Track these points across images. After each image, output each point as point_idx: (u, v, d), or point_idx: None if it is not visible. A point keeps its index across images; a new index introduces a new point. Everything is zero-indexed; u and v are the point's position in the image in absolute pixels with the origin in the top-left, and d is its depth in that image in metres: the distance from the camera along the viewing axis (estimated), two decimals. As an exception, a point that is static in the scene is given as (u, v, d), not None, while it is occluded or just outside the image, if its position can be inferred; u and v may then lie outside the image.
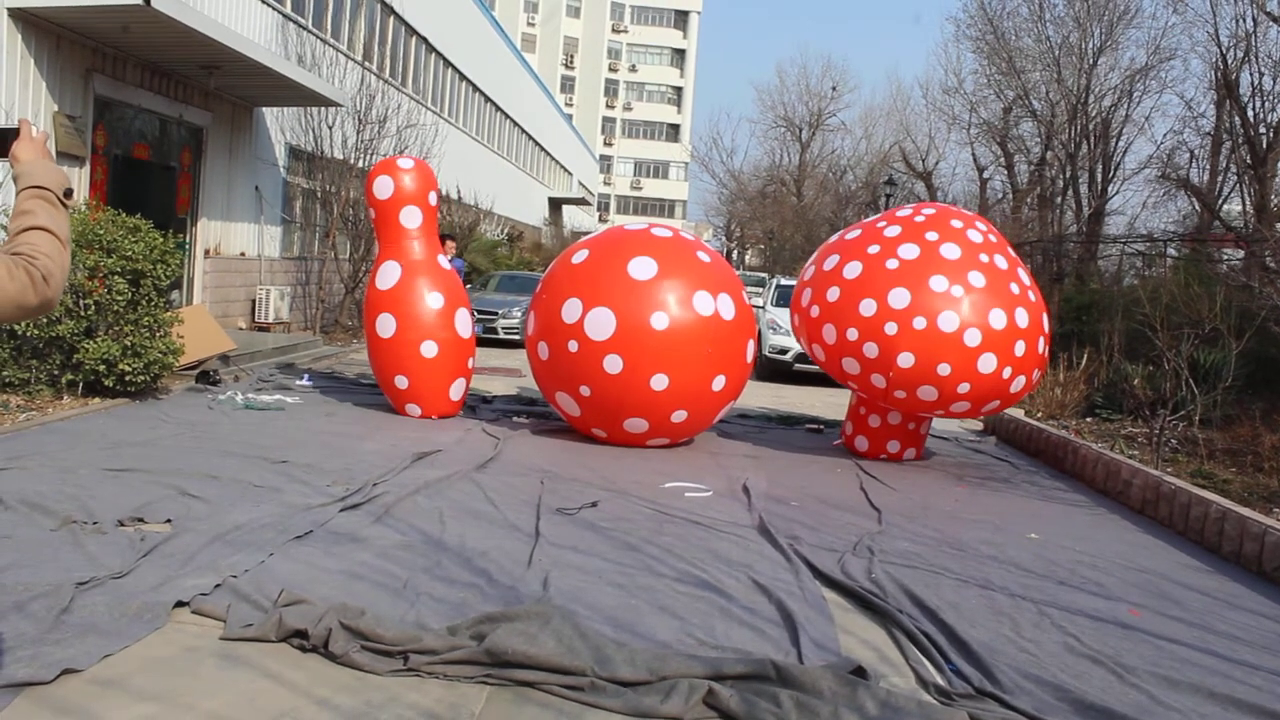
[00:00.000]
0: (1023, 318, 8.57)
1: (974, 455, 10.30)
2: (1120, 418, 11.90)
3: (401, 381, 9.71)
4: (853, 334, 8.68)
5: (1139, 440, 10.55)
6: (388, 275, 9.75)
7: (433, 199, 10.16)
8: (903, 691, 3.94)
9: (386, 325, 9.62)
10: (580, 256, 9.10)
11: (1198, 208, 22.73)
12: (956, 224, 9.03)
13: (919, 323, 8.38)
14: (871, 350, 8.59)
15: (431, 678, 3.79)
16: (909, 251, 8.72)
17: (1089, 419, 12.19)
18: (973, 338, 8.35)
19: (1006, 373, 8.50)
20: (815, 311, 9.07)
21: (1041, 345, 8.82)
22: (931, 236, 8.82)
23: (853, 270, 8.84)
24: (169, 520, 5.52)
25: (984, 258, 8.72)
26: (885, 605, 4.98)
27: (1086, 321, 16.74)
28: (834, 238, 9.73)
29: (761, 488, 7.72)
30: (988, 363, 8.40)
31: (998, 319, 8.42)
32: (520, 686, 3.78)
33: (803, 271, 9.64)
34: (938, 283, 8.46)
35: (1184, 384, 10.34)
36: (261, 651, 3.91)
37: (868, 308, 8.59)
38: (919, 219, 9.13)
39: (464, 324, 9.89)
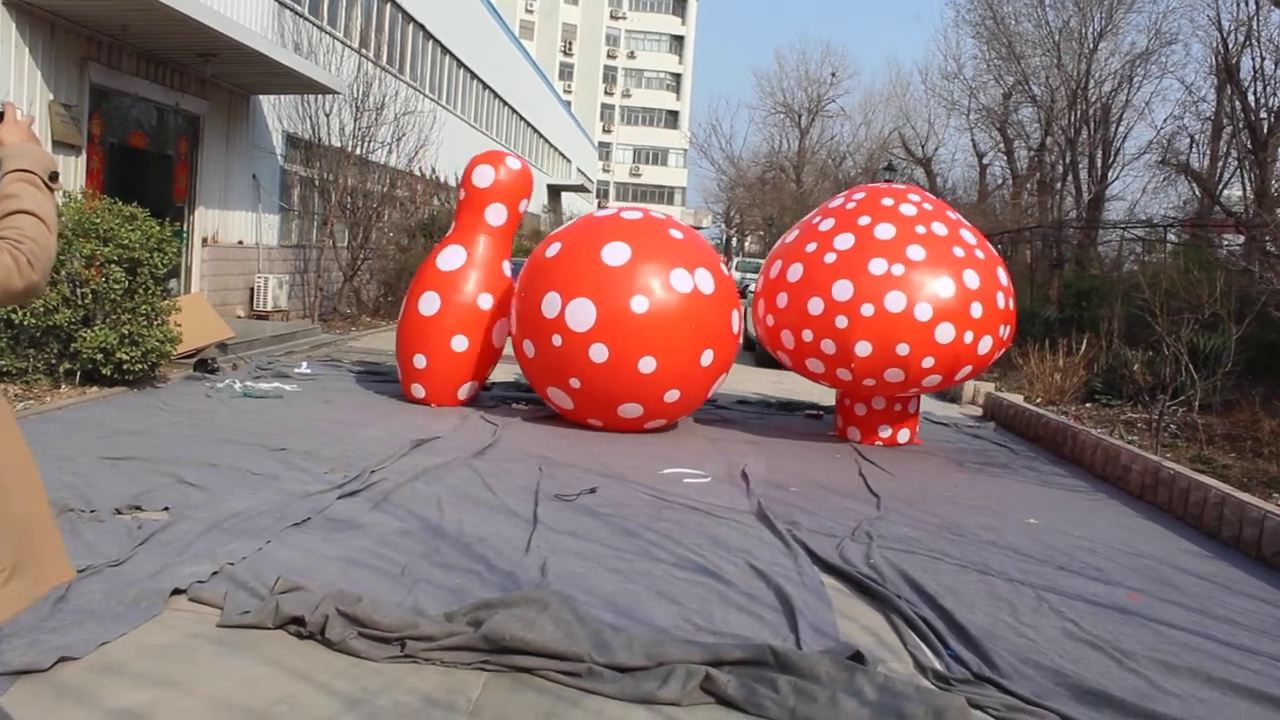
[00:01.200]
0: (972, 279, 8.56)
1: (973, 441, 10.29)
2: (1120, 403, 11.90)
3: (420, 360, 9.68)
4: (808, 335, 8.76)
5: (1138, 425, 10.55)
6: (451, 258, 9.76)
7: (523, 206, 10.19)
8: (901, 677, 3.94)
9: (430, 303, 9.60)
10: (553, 250, 9.07)
11: (1198, 193, 22.71)
12: (887, 201, 9.05)
13: (867, 310, 8.41)
14: (829, 346, 8.65)
15: (429, 664, 3.79)
16: (844, 241, 8.75)
17: (1088, 404, 12.20)
18: (923, 312, 8.36)
19: (969, 337, 8.51)
20: (770, 320, 9.18)
21: (1001, 300, 8.78)
22: (864, 221, 8.85)
23: (795, 272, 8.91)
24: (166, 508, 5.51)
25: (920, 229, 8.73)
26: (884, 590, 4.98)
27: (1086, 307, 16.73)
28: (777, 244, 9.75)
29: (760, 473, 7.71)
30: (945, 332, 8.42)
31: (945, 287, 8.43)
32: (518, 672, 3.78)
33: (757, 282, 9.65)
34: (877, 265, 8.49)
35: (1184, 369, 10.34)
36: (259, 638, 3.90)
37: (815, 306, 8.65)
38: (850, 205, 9.19)
39: (501, 334, 9.85)
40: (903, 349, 8.41)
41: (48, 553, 2.66)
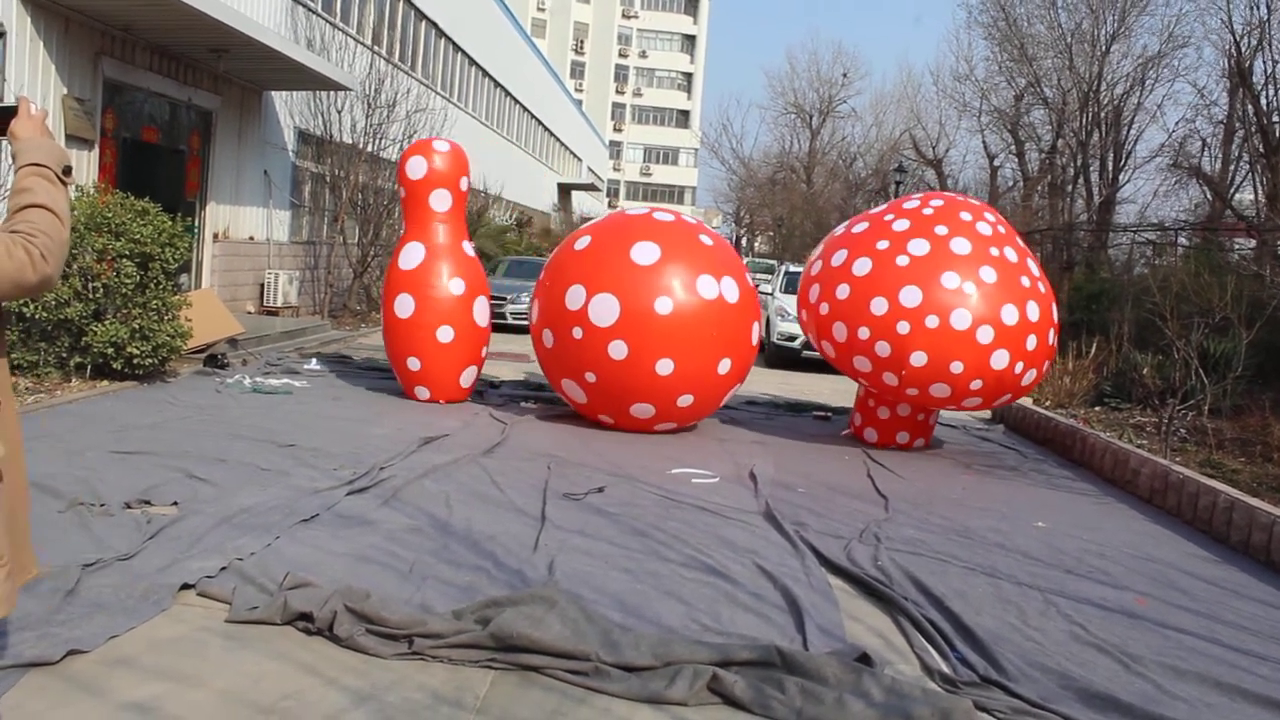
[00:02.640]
0: (1034, 311, 8.52)
1: (982, 443, 10.28)
2: (1129, 407, 11.86)
3: (414, 363, 9.71)
4: (864, 333, 8.62)
5: (1147, 429, 10.51)
6: (411, 256, 9.75)
7: (464, 184, 10.16)
8: (908, 679, 3.94)
9: (405, 306, 9.61)
10: (583, 243, 9.08)
11: (1209, 196, 22.62)
12: (966, 216, 8.93)
13: (932, 321, 8.32)
14: (884, 349, 8.53)
15: (437, 661, 3.80)
16: (919, 247, 8.62)
17: (1097, 408, 12.16)
18: (985, 335, 8.30)
19: (1019, 368, 8.47)
20: (825, 309, 8.99)
21: (1051, 337, 8.78)
22: (941, 231, 8.72)
23: (862, 267, 8.75)
24: (176, 503, 5.53)
25: (994, 251, 8.65)
26: (891, 592, 4.97)
27: (1096, 310, 16.68)
28: (840, 230, 9.64)
29: (769, 474, 7.71)
30: (1000, 359, 8.36)
31: (1010, 315, 8.37)
32: (525, 670, 3.78)
33: (808, 265, 9.56)
34: (949, 279, 8.39)
35: (1193, 373, 10.30)
36: (267, 634, 3.92)
37: (879, 306, 8.52)
38: (927, 211, 9.02)
39: (482, 312, 9.88)
40: (957, 367, 8.34)
41: (25, 547, 2.71)
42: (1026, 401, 11.93)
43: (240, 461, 6.61)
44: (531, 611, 4.02)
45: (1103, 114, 24.98)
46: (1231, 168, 21.80)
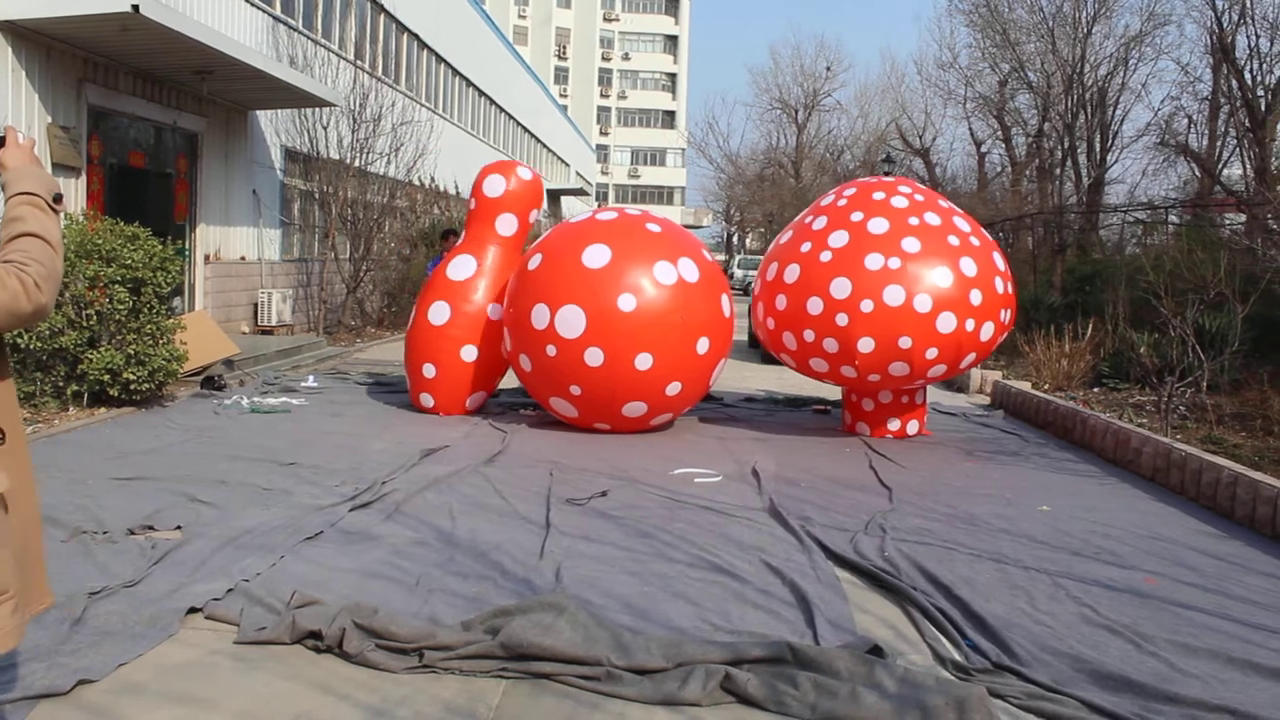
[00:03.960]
0: (969, 266, 8.56)
1: (982, 430, 10.28)
2: (1128, 387, 11.87)
3: (429, 370, 9.69)
4: (810, 335, 8.76)
5: (1147, 408, 10.52)
6: (461, 268, 9.78)
7: (533, 216, 10.22)
8: (920, 668, 3.93)
9: (440, 313, 9.62)
10: (535, 262, 9.06)
11: (1198, 173, 22.67)
12: (879, 196, 9.06)
13: (866, 305, 8.41)
14: (832, 345, 8.65)
15: (448, 673, 3.79)
16: (839, 239, 8.76)
17: (1096, 389, 12.17)
18: (923, 303, 8.37)
19: (970, 325, 8.51)
20: (771, 323, 9.18)
21: (1000, 285, 8.79)
22: (857, 217, 8.86)
23: (792, 273, 8.91)
24: (179, 527, 5.51)
25: (913, 220, 8.73)
26: (899, 583, 4.97)
27: (1090, 292, 16.70)
28: (771, 246, 9.75)
29: (771, 470, 7.71)
30: (947, 322, 8.42)
31: (942, 277, 8.43)
32: (537, 678, 3.78)
33: (754, 285, 9.67)
34: (873, 260, 8.49)
35: (1190, 350, 10.31)
36: (277, 653, 3.91)
37: (815, 306, 8.65)
38: (841, 203, 9.19)
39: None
40: (905, 342, 8.41)
41: (36, 578, 2.70)
42: (1025, 385, 11.94)
43: (241, 482, 6.59)
44: (541, 619, 4.01)
45: (1088, 95, 24.99)
46: (1218, 143, 21.84)
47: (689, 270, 8.84)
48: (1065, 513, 6.74)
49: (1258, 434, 8.94)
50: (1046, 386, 12.22)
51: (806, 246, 8.92)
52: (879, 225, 8.69)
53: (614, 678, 3.75)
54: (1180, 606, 4.83)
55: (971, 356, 8.81)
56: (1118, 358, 12.44)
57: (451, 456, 7.79)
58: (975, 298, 8.49)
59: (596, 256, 8.71)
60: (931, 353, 8.48)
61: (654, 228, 9.17)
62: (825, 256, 8.70)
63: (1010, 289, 8.98)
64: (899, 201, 8.92)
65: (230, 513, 5.84)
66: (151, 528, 5.49)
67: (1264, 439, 8.69)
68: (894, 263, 8.43)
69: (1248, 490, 6.66)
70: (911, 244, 8.52)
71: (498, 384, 10.17)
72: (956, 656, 4.12)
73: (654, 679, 3.75)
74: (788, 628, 4.36)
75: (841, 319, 8.49)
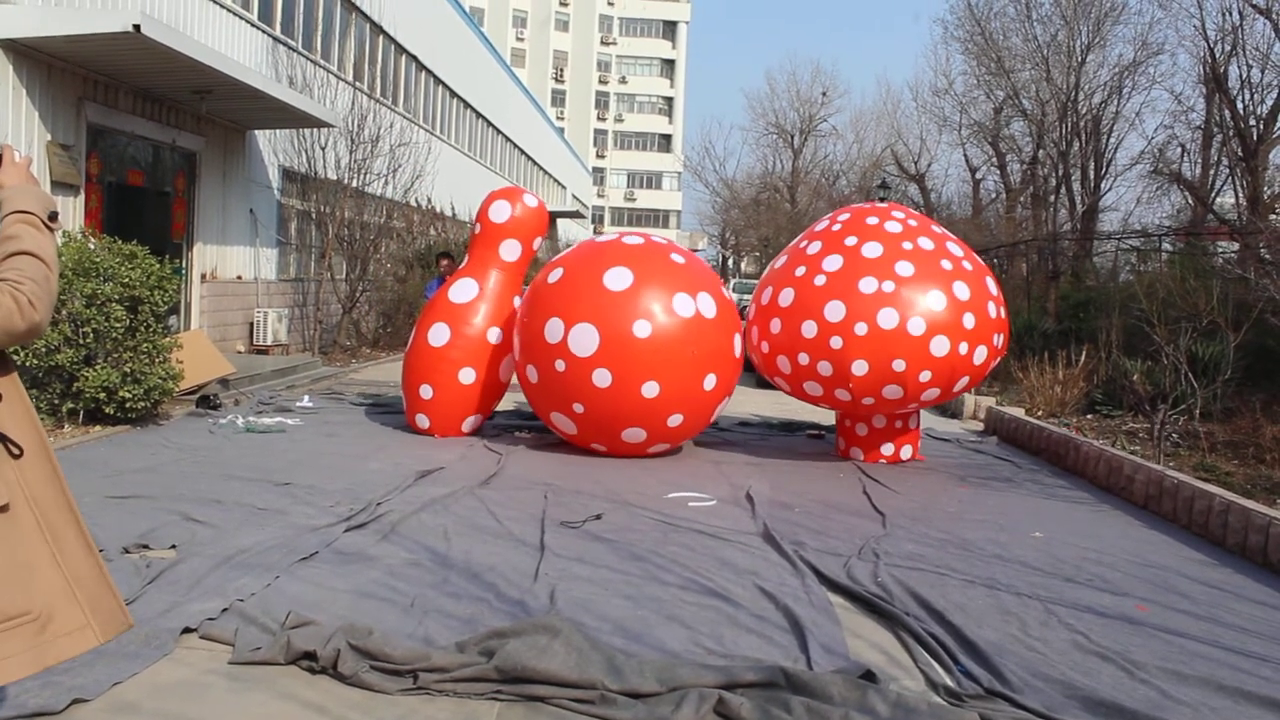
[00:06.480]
0: (962, 290, 8.62)
1: (976, 456, 10.30)
2: (1121, 414, 11.91)
3: (425, 391, 9.71)
4: (804, 358, 8.79)
5: (1140, 436, 10.55)
6: (463, 291, 9.83)
7: (536, 244, 10.28)
8: (913, 694, 3.95)
9: (439, 335, 9.65)
10: (556, 275, 9.11)
11: (1191, 201, 22.80)
12: (872, 220, 9.14)
13: (860, 329, 8.46)
14: (826, 369, 8.69)
15: (442, 695, 3.79)
16: (832, 263, 8.82)
17: (1089, 416, 12.20)
18: (917, 326, 8.42)
19: (964, 348, 8.56)
20: (765, 347, 9.21)
21: (993, 309, 8.85)
22: (851, 241, 8.93)
23: (786, 297, 8.96)
24: (174, 546, 5.51)
25: (907, 245, 8.81)
26: (892, 608, 4.98)
27: (1084, 319, 16.76)
28: (765, 270, 9.81)
29: (765, 494, 7.72)
30: (940, 345, 8.46)
31: (936, 300, 8.49)
32: (531, 701, 3.78)
33: (748, 310, 9.72)
34: (867, 284, 8.55)
35: (1183, 378, 10.36)
36: (272, 674, 3.91)
37: (809, 329, 8.69)
38: (836, 228, 9.27)
39: (508, 369, 9.88)
40: (899, 365, 8.45)
41: (101, 599, 2.66)
42: (1018, 412, 11.97)
43: (237, 502, 6.60)
44: (535, 641, 4.02)
45: (1082, 123, 25.18)
46: (1211, 172, 22.00)
47: (707, 305, 8.88)
48: (1058, 539, 6.75)
49: (1250, 462, 8.97)
50: (1040, 413, 12.25)
51: (801, 270, 8.98)
52: (873, 249, 8.75)
53: (608, 701, 3.75)
54: (1172, 634, 4.85)
55: (965, 380, 8.86)
56: (1111, 385, 12.49)
57: (447, 478, 7.80)
58: (969, 321, 8.55)
59: (618, 279, 8.74)
60: (925, 375, 8.52)
61: (678, 259, 9.24)
62: (819, 280, 8.75)
63: (1003, 313, 9.04)
64: (893, 226, 8.99)
65: (225, 532, 5.84)
66: (146, 546, 5.49)
67: (1256, 467, 8.72)
68: (888, 286, 8.48)
69: (1239, 518, 6.68)
70: (905, 267, 8.58)
71: (494, 407, 10.20)
72: (949, 682, 4.13)
73: (648, 703, 3.76)
74: (781, 652, 4.37)
75: (836, 342, 8.53)
